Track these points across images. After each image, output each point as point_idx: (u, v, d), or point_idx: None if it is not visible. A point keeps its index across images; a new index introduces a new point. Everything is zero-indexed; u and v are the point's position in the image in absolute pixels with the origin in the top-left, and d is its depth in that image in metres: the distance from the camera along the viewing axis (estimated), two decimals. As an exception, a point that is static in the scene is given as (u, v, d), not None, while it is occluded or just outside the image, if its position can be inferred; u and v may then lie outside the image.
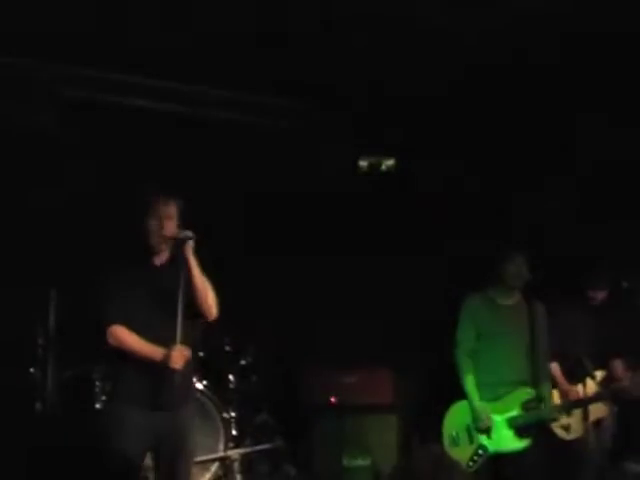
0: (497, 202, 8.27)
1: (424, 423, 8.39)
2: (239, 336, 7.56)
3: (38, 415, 6.87)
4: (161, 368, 4.95)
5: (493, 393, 6.47)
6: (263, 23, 6.73)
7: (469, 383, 6.50)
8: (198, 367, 7.21)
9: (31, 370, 6.95)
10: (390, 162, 8.56)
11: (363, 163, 8.51)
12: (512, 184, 8.20)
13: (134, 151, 7.54)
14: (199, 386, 6.98)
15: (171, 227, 5.10)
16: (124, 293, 5.06)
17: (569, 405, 6.71)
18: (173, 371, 4.93)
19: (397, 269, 8.46)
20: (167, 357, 4.94)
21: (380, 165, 8.55)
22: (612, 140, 7.49)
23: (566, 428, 6.77)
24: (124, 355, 5.03)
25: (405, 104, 7.81)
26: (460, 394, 6.58)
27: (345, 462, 7.65)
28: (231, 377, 7.47)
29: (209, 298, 5.16)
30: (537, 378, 6.52)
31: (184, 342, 4.99)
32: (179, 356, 4.95)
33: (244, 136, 8.02)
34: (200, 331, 7.10)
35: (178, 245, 5.08)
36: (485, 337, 6.59)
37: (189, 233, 5.09)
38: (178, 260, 5.07)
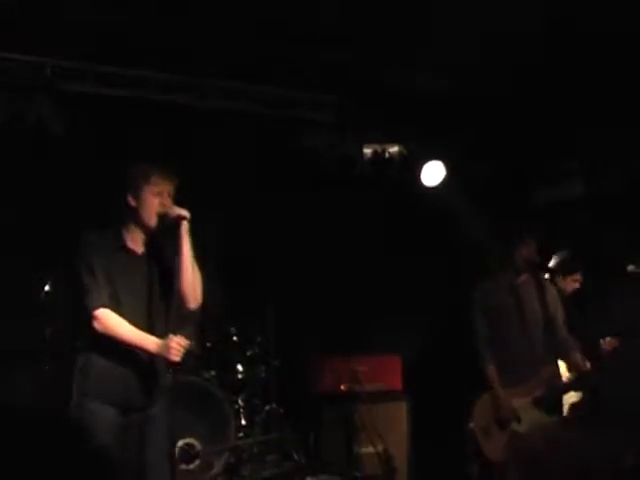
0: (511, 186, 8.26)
1: (434, 410, 8.43)
2: (247, 325, 7.54)
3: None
4: (144, 364, 4.73)
5: (516, 376, 6.45)
6: (264, 11, 6.68)
7: (491, 372, 6.48)
8: (206, 357, 7.26)
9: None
10: (394, 149, 8.52)
11: (367, 150, 8.47)
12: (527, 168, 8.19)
13: (135, 143, 7.49)
14: (207, 376, 6.97)
15: (169, 205, 4.82)
16: (109, 276, 4.74)
17: None
18: (169, 363, 4.69)
19: (407, 254, 8.44)
20: (164, 348, 4.67)
21: (384, 152, 8.50)
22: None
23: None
24: (104, 346, 4.71)
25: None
26: (478, 382, 6.56)
27: (355, 449, 7.63)
28: (239, 367, 7.44)
29: (194, 284, 4.84)
30: (561, 351, 6.52)
31: (176, 332, 4.71)
32: (177, 347, 4.67)
33: (245, 125, 7.98)
34: (195, 321, 7.16)
35: (171, 225, 4.80)
36: (501, 321, 6.58)
37: (184, 212, 4.83)
38: (168, 241, 4.82)
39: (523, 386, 6.40)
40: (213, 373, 7.13)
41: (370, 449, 7.40)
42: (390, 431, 7.61)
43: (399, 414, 7.96)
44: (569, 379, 6.62)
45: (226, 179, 7.77)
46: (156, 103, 7.58)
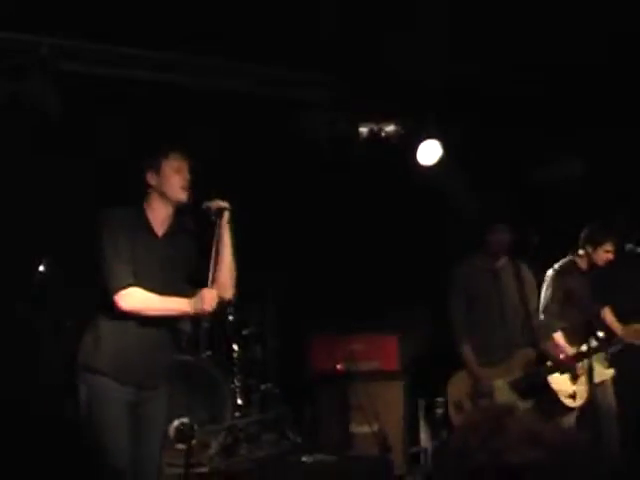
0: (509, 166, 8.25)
1: (430, 389, 8.45)
2: (243, 305, 7.54)
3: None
4: (151, 342, 4.75)
5: (491, 358, 6.50)
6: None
7: (466, 350, 6.52)
8: (202, 337, 7.26)
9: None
10: (390, 127, 8.49)
11: (363, 129, 8.44)
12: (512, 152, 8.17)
13: (136, 123, 7.47)
14: (204, 357, 6.98)
15: (186, 179, 4.83)
16: (133, 254, 4.70)
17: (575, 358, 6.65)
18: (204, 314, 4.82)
19: (401, 235, 8.44)
20: (198, 302, 4.68)
21: (381, 131, 8.47)
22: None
23: (572, 396, 6.74)
24: (107, 323, 4.70)
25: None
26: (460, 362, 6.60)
27: (351, 429, 7.66)
28: (235, 347, 7.46)
29: (231, 275, 4.97)
30: (537, 337, 6.55)
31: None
32: (210, 297, 4.70)
33: (239, 105, 7.96)
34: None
35: (213, 216, 4.89)
36: (478, 302, 6.63)
37: (225, 203, 4.93)
38: (211, 231, 4.88)
39: (500, 367, 6.43)
40: (209, 353, 7.14)
41: (366, 428, 7.42)
42: (386, 411, 7.64)
43: (395, 394, 7.98)
44: (545, 366, 6.62)
45: (221, 160, 7.75)
46: (151, 82, 7.56)
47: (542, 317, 6.73)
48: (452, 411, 6.54)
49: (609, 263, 6.95)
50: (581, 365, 6.61)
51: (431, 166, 8.37)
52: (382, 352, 8.07)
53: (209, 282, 4.78)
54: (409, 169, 8.43)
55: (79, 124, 7.29)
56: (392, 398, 7.91)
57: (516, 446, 2.19)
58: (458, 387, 6.54)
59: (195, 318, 7.18)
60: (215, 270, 4.84)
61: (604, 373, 6.73)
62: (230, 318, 7.48)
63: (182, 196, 4.81)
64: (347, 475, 6.75)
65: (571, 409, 6.71)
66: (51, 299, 6.83)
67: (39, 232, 6.94)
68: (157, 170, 4.82)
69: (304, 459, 6.82)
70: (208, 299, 4.70)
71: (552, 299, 6.80)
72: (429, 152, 8.37)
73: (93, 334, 4.79)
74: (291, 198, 8.06)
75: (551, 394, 6.65)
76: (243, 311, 7.57)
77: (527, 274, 6.73)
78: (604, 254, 6.99)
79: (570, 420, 6.73)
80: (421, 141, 8.36)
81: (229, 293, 4.98)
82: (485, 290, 6.63)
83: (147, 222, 4.84)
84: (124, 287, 4.64)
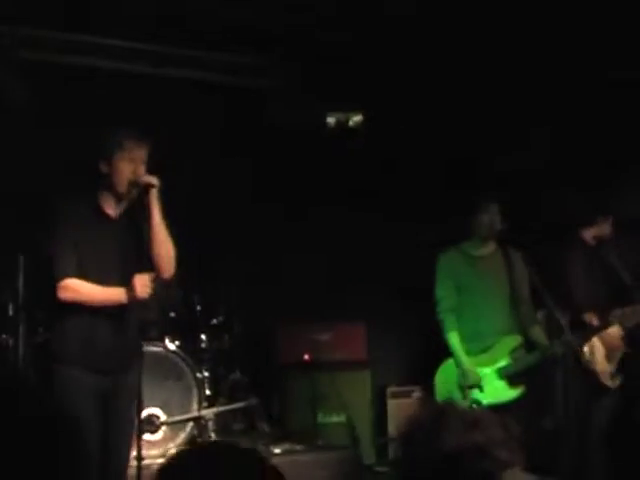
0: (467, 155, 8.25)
1: (398, 378, 8.48)
2: (210, 295, 7.51)
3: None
4: (117, 329, 4.73)
5: (479, 345, 6.44)
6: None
7: (454, 340, 6.43)
8: (170, 327, 7.23)
9: (2, 336, 6.83)
10: (358, 118, 8.49)
11: (330, 119, 8.44)
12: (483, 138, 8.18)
13: (101, 113, 7.41)
14: (171, 347, 6.94)
15: (142, 172, 4.79)
16: (78, 245, 4.71)
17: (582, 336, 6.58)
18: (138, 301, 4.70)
19: (369, 223, 8.43)
20: (130, 291, 4.66)
21: (348, 121, 8.48)
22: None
23: (612, 376, 6.67)
24: (72, 313, 4.72)
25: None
26: (445, 351, 6.56)
27: (320, 419, 7.66)
28: (203, 337, 7.40)
29: (167, 253, 4.85)
30: (523, 324, 6.52)
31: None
32: (142, 284, 4.67)
33: (207, 94, 7.92)
34: (161, 288, 7.12)
35: (141, 192, 4.77)
36: (465, 290, 6.55)
37: (154, 179, 4.79)
38: (139, 209, 4.79)
39: (487, 354, 6.41)
40: (177, 343, 7.08)
41: (334, 418, 7.43)
42: (354, 400, 7.65)
43: (363, 383, 8.00)
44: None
45: (190, 148, 7.71)
46: (119, 71, 7.52)
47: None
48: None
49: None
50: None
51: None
52: (350, 341, 8.09)
53: (144, 263, 4.75)
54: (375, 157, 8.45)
55: (45, 111, 7.23)
56: (360, 387, 7.93)
57: (455, 434, 2.32)
58: (446, 377, 6.49)
59: (162, 307, 7.18)
60: (149, 251, 4.77)
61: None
62: (198, 308, 7.44)
63: (122, 189, 4.77)
64: (316, 465, 6.74)
65: (609, 389, 6.65)
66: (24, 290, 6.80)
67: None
68: (108, 160, 4.79)
69: (273, 449, 6.82)
70: (139, 285, 4.68)
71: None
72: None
73: (59, 324, 4.83)
74: (257, 187, 8.02)
75: (591, 375, 6.57)
76: (211, 301, 7.52)
77: (518, 261, 6.61)
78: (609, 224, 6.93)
79: (608, 402, 6.63)
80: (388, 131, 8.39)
81: (168, 272, 4.91)
82: (471, 277, 6.55)
83: (99, 208, 4.83)
84: (62, 278, 4.68)
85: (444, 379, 6.49)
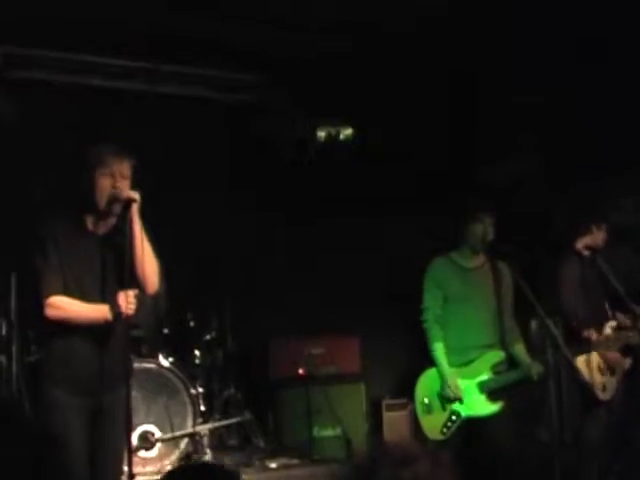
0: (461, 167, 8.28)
1: (393, 391, 8.47)
2: (203, 311, 7.50)
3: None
4: (106, 349, 4.68)
5: (462, 358, 6.42)
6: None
7: (438, 350, 6.42)
8: (163, 344, 7.22)
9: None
10: (348, 131, 8.50)
11: (321, 133, 8.45)
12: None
13: (88, 129, 7.42)
14: (165, 363, 6.93)
15: (125, 188, 4.72)
16: (68, 259, 4.68)
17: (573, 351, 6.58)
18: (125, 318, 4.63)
19: (362, 236, 8.45)
20: (114, 307, 4.61)
21: (338, 135, 8.49)
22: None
23: (603, 388, 6.71)
24: (57, 333, 4.67)
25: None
26: (430, 361, 6.55)
27: (315, 433, 7.65)
28: (197, 352, 7.40)
29: (149, 269, 4.77)
30: (506, 340, 6.50)
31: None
32: (126, 300, 4.60)
33: (196, 110, 7.94)
34: (150, 302, 7.11)
35: (123, 207, 4.68)
36: (452, 301, 6.52)
37: (134, 194, 4.71)
38: (122, 224, 4.71)
39: (470, 368, 6.40)
40: (171, 359, 7.07)
41: (329, 432, 7.43)
42: (349, 413, 7.64)
43: (358, 396, 8.00)
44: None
45: (178, 165, 7.73)
46: (106, 89, 7.53)
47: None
48: (420, 410, 6.47)
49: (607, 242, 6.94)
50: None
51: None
52: (343, 355, 8.09)
53: (127, 279, 4.67)
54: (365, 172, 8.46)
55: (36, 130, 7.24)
56: (354, 401, 7.93)
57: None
58: (428, 386, 6.48)
59: (152, 322, 7.17)
60: (132, 266, 4.70)
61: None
62: (191, 324, 7.43)
63: (101, 203, 4.70)
64: (311, 479, 6.72)
65: (601, 402, 6.69)
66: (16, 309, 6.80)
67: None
68: (89, 176, 4.74)
69: (268, 464, 6.81)
70: (123, 301, 4.63)
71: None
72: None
73: (45, 345, 4.83)
74: (248, 202, 8.03)
75: (583, 387, 6.60)
76: (204, 317, 7.52)
77: (505, 274, 6.60)
78: (603, 233, 6.97)
79: (601, 413, 6.70)
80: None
81: (152, 287, 4.85)
82: (459, 289, 6.52)
83: (83, 225, 4.80)
84: (47, 296, 4.65)
85: (425, 386, 6.49)
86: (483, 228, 6.42)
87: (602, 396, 6.68)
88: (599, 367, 6.71)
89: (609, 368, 6.74)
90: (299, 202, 8.20)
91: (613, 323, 6.80)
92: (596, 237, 6.94)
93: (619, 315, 6.87)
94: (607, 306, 6.90)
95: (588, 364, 6.66)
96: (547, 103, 7.65)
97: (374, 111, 8.19)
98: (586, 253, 6.95)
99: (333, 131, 8.46)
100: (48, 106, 7.33)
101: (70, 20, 6.76)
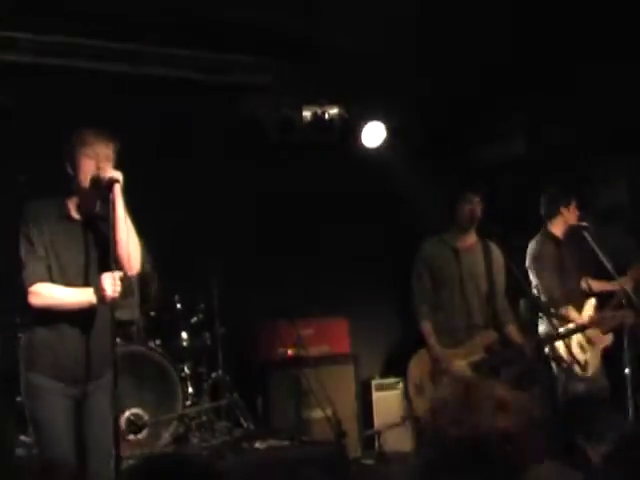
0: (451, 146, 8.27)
1: (382, 371, 8.47)
2: (190, 293, 7.46)
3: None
4: (91, 335, 4.66)
5: (453, 338, 6.44)
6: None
7: (427, 330, 6.44)
8: (150, 326, 7.19)
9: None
10: (334, 110, 8.44)
11: (306, 112, 8.39)
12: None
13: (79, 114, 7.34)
14: (152, 346, 6.90)
15: (108, 169, 4.66)
16: (52, 246, 4.66)
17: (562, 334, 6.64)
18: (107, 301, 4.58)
19: (350, 214, 8.43)
20: (99, 291, 4.57)
21: (324, 114, 8.43)
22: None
23: (584, 366, 6.71)
24: (42, 320, 4.66)
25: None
26: (420, 341, 6.55)
27: (304, 414, 7.64)
28: (184, 335, 7.37)
29: (132, 249, 4.72)
30: (500, 321, 6.51)
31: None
32: (110, 283, 4.55)
33: (181, 91, 7.88)
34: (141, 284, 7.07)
35: (105, 188, 4.61)
36: (441, 282, 6.54)
37: (117, 174, 4.65)
38: (104, 206, 4.66)
39: (461, 348, 6.40)
40: (158, 342, 7.04)
41: (319, 413, 7.39)
42: (338, 394, 7.61)
43: (347, 377, 7.98)
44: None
45: (163, 147, 7.68)
46: (91, 71, 7.46)
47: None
48: (412, 391, 6.46)
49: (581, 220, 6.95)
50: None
51: (376, 148, 8.37)
52: (332, 336, 8.08)
53: (111, 262, 4.62)
54: (353, 152, 8.43)
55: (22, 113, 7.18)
56: (344, 382, 7.92)
57: (484, 417, 2.23)
58: (419, 366, 6.47)
59: (142, 306, 7.14)
60: (114, 248, 4.63)
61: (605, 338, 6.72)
62: (178, 306, 7.39)
63: (85, 185, 4.66)
64: (301, 460, 6.70)
65: (581, 378, 6.69)
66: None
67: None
68: (72, 159, 4.72)
69: (258, 446, 6.78)
70: (107, 284, 4.57)
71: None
72: (373, 134, 8.37)
73: (28, 332, 4.80)
74: (236, 181, 7.98)
75: (561, 362, 6.62)
76: (191, 299, 7.48)
77: (497, 254, 6.62)
78: (574, 212, 7.01)
79: (578, 389, 6.70)
80: (365, 124, 8.37)
81: (134, 268, 4.79)
82: (450, 270, 6.53)
83: (67, 210, 4.76)
84: (32, 284, 4.64)
85: (417, 367, 6.49)
86: (471, 208, 6.44)
87: (582, 373, 6.69)
88: (580, 344, 6.72)
89: (590, 344, 6.75)
90: (288, 184, 8.14)
91: (593, 301, 6.82)
92: (567, 217, 6.97)
93: (594, 283, 6.91)
94: (584, 285, 6.94)
95: (569, 341, 6.68)
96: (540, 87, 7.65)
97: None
98: (559, 234, 6.97)
99: (319, 110, 8.40)
100: (33, 89, 7.25)
101: (55, 2, 6.69)
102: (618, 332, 6.71)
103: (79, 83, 7.39)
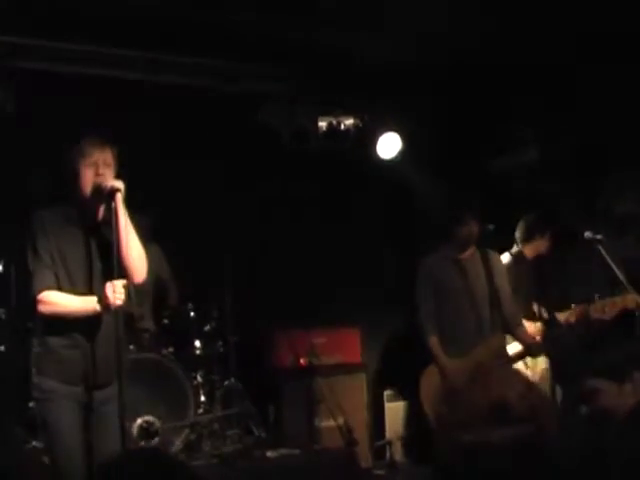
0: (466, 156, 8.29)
1: (393, 380, 8.47)
2: (203, 301, 7.49)
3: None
4: (102, 341, 4.68)
5: (459, 348, 6.46)
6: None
7: (434, 344, 6.48)
8: (163, 334, 7.22)
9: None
10: (349, 121, 8.46)
11: (322, 123, 8.41)
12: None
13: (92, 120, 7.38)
14: (165, 353, 6.93)
15: (109, 176, 4.69)
16: (60, 254, 4.68)
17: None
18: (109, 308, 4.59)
19: (362, 227, 8.45)
20: (103, 300, 4.59)
21: (340, 125, 8.44)
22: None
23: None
24: (51, 328, 4.69)
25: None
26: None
27: (316, 423, 7.65)
28: (197, 343, 7.40)
29: (136, 257, 4.74)
30: (508, 325, 6.56)
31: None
32: (112, 290, 4.56)
33: (197, 100, 7.91)
34: (157, 291, 7.11)
35: (107, 197, 4.63)
36: (445, 294, 6.60)
37: (118, 183, 4.66)
38: (107, 215, 4.69)
39: (469, 357, 6.41)
40: (171, 350, 7.08)
41: (330, 422, 7.41)
42: (350, 404, 7.62)
43: (358, 387, 7.99)
44: (517, 352, 6.68)
45: (179, 155, 7.70)
46: (107, 79, 7.49)
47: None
48: (426, 405, 6.48)
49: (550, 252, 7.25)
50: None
51: (392, 159, 8.39)
52: (344, 345, 8.09)
53: (114, 270, 4.63)
54: (368, 162, 8.45)
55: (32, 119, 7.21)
56: (355, 391, 7.92)
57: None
58: (430, 382, 6.49)
59: (156, 315, 7.18)
60: (118, 257, 4.64)
61: None
62: (192, 314, 7.42)
63: (85, 194, 4.69)
64: (313, 469, 6.72)
65: None
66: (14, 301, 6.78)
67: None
68: (73, 168, 4.74)
69: (269, 454, 6.80)
70: (111, 292, 4.59)
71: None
72: (389, 145, 8.38)
73: (40, 337, 4.81)
74: (250, 192, 8.01)
75: None
76: (204, 307, 7.51)
77: (497, 262, 6.71)
78: (535, 248, 7.30)
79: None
80: (380, 134, 8.38)
81: (140, 276, 4.82)
82: (453, 281, 6.58)
83: (72, 218, 4.78)
84: (40, 292, 4.66)
85: (428, 382, 6.51)
86: (468, 229, 6.56)
87: None
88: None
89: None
90: (301, 192, 8.17)
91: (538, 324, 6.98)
92: (540, 245, 7.27)
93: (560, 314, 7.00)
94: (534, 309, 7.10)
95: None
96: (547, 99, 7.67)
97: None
98: (529, 257, 7.26)
99: (335, 121, 8.41)
100: (48, 96, 7.29)
101: (69, 9, 6.72)
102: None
103: (93, 90, 7.43)
